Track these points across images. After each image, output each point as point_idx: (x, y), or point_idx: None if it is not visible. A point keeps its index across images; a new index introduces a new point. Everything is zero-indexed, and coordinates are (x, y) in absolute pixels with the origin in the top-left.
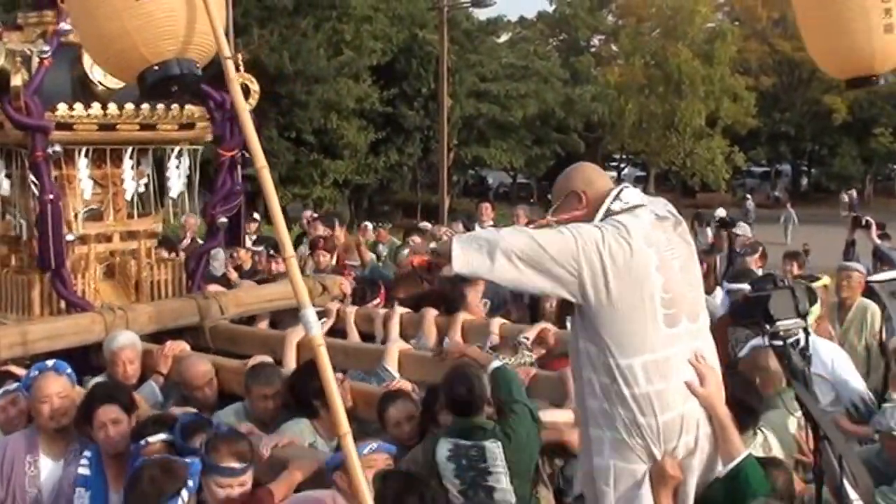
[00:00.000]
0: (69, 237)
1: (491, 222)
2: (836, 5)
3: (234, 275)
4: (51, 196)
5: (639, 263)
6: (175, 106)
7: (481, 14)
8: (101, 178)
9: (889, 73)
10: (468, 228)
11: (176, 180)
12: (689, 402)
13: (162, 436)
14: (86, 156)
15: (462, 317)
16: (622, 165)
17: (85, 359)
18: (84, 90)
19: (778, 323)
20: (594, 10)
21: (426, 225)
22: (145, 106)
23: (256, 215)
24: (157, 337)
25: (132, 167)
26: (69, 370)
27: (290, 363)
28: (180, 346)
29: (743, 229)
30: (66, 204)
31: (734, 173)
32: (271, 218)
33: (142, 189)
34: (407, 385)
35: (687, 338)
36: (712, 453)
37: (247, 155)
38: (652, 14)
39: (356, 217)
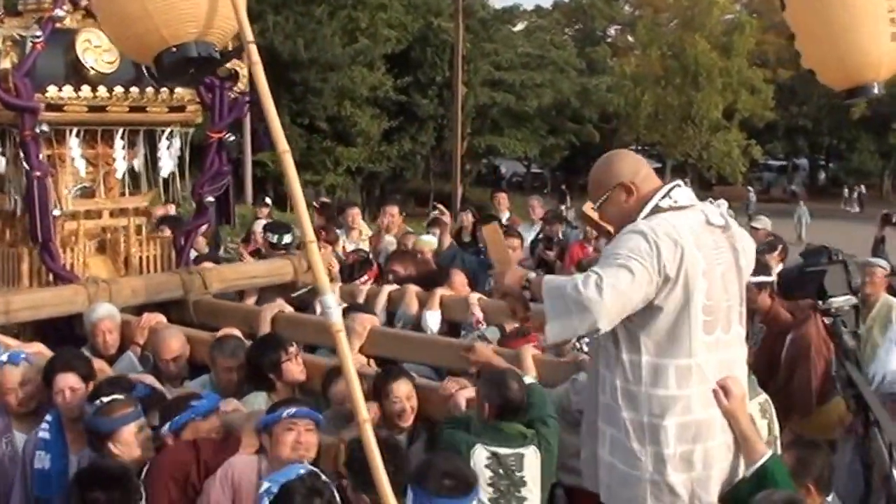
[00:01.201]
0: (55, 212)
1: (507, 212)
2: (841, 14)
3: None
4: (38, 173)
5: (688, 268)
6: (165, 89)
7: (497, 2)
8: (93, 157)
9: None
10: (476, 219)
11: (167, 161)
12: (710, 409)
13: (117, 396)
14: (77, 136)
15: (440, 291)
16: None
17: (70, 329)
18: (77, 74)
19: (831, 299)
20: (611, 0)
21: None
22: (135, 89)
23: (268, 200)
24: (144, 310)
25: (123, 147)
26: (24, 355)
27: None
28: (156, 318)
29: (762, 223)
30: (57, 181)
31: (751, 167)
32: (293, 202)
33: (138, 168)
34: (361, 360)
35: (719, 347)
36: (734, 463)
37: (267, 139)
38: (669, 5)
39: (368, 205)
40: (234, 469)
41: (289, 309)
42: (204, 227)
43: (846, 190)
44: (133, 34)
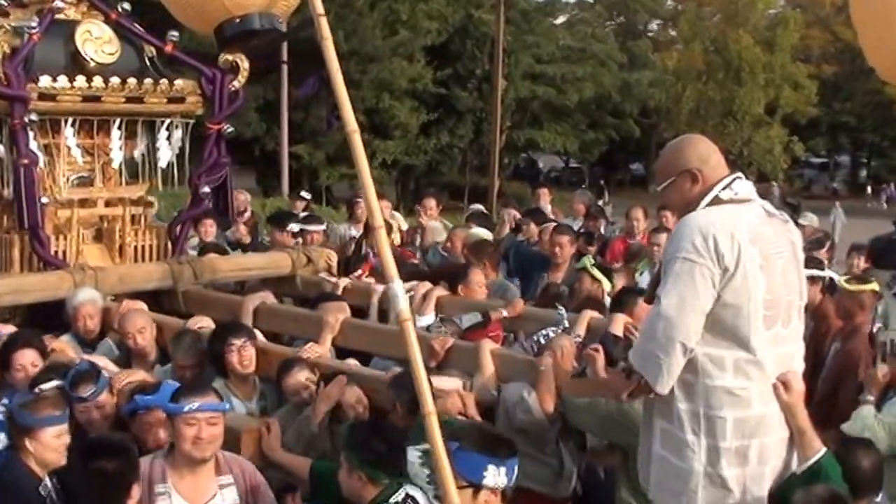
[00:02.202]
0: (44, 200)
1: (548, 206)
2: None
3: None
4: (26, 161)
5: (746, 264)
6: (164, 80)
7: None
8: (90, 147)
9: None
10: (520, 213)
11: (165, 151)
12: (770, 404)
13: (55, 383)
14: (72, 125)
15: (437, 292)
16: None
17: (58, 315)
18: (76, 65)
19: None
20: None
21: (478, 207)
22: (132, 80)
23: (304, 194)
24: (137, 299)
25: (120, 137)
26: None
27: None
28: (135, 305)
29: (808, 219)
30: (53, 170)
31: (792, 163)
32: (361, 185)
33: (138, 159)
34: (318, 351)
35: (778, 342)
36: (787, 459)
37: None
38: None
39: (403, 199)
40: None
41: (272, 300)
42: (248, 216)
43: (869, 188)
44: (194, 2)
